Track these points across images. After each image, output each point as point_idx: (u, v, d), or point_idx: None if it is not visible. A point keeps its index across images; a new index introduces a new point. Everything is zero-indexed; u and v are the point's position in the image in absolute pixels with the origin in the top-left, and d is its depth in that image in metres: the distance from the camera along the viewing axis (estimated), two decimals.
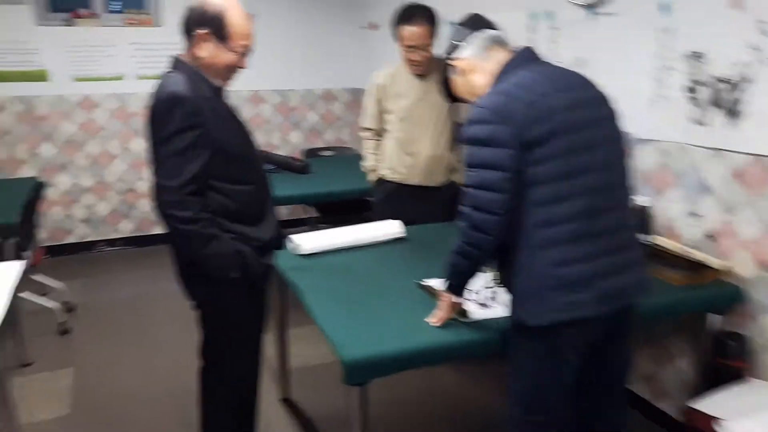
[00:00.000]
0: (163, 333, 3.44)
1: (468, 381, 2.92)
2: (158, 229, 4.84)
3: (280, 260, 2.29)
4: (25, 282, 2.37)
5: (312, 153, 4.81)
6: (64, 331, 3.44)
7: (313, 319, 1.91)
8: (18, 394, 2.77)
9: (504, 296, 1.90)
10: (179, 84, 1.81)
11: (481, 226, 1.58)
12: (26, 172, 4.41)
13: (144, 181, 4.75)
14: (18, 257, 3.11)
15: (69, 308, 3.69)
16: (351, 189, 3.73)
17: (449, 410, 2.72)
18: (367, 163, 3.05)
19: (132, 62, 4.52)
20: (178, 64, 1.90)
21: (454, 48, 1.79)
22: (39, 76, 4.30)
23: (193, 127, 1.79)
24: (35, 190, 3.46)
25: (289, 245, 2.42)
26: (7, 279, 2.19)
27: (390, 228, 2.59)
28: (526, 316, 1.61)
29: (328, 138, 5.24)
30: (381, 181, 3.00)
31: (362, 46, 5.01)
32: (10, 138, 4.35)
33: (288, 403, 2.77)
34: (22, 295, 3.10)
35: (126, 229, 4.80)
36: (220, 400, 2.17)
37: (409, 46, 2.69)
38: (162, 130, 1.81)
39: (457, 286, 1.75)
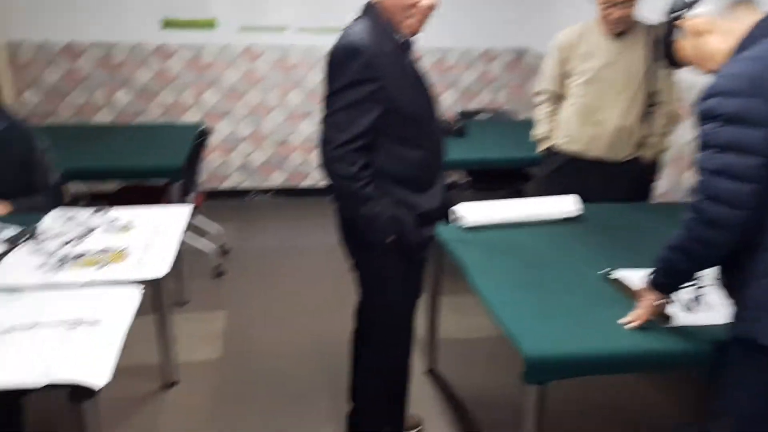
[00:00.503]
0: (316, 287, 3.44)
1: (650, 391, 2.57)
2: (308, 182, 4.91)
3: (442, 231, 2.14)
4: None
5: (466, 115, 4.58)
6: (219, 274, 3.55)
7: (484, 302, 1.72)
8: (175, 332, 2.87)
9: (713, 299, 1.61)
10: (361, 33, 1.69)
11: (717, 220, 1.29)
12: (190, 117, 4.58)
13: (297, 134, 4.78)
14: (182, 200, 3.21)
15: (223, 251, 3.81)
16: (507, 157, 3.48)
17: (628, 422, 2.41)
18: (540, 130, 2.77)
19: (295, 14, 4.49)
20: (368, 10, 1.77)
21: (686, 5, 1.48)
22: (208, 25, 4.41)
23: (368, 81, 1.68)
24: (200, 135, 3.54)
25: (451, 216, 2.25)
26: (178, 222, 2.22)
27: (564, 205, 2.33)
28: (761, 332, 1.32)
29: (483, 100, 4.96)
30: (553, 152, 2.72)
31: (530, 2, 4.65)
32: (178, 84, 4.52)
33: (433, 375, 2.65)
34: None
35: (277, 179, 4.89)
36: (372, 368, 2.09)
37: (609, 2, 2.36)
38: (336, 81, 1.72)
39: (666, 286, 1.49)
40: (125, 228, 2.16)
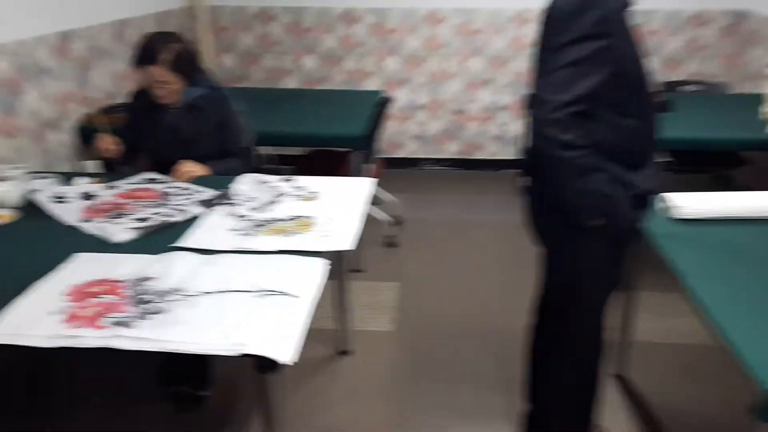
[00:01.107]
0: (489, 265, 3.31)
1: None
2: (482, 154, 4.73)
3: (648, 220, 1.86)
4: None
5: (669, 86, 4.08)
6: (392, 244, 3.53)
7: (706, 315, 1.46)
8: (350, 298, 2.89)
9: None
10: None
11: None
12: (371, 84, 4.59)
13: (475, 103, 4.60)
14: (361, 168, 3.20)
15: (397, 222, 3.78)
16: (718, 137, 3.02)
17: None
18: None
19: None
20: None
21: None
22: None
23: (597, 37, 1.47)
24: (381, 104, 3.50)
25: (660, 204, 1.97)
26: (362, 194, 2.18)
27: None
28: None
29: (690, 70, 4.39)
30: None
31: None
32: (362, 50, 4.53)
33: (622, 381, 2.39)
34: None
35: (452, 149, 4.76)
36: (559, 369, 1.89)
37: None
38: (560, 36, 1.51)
39: None
40: (312, 197, 2.16)
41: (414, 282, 3.13)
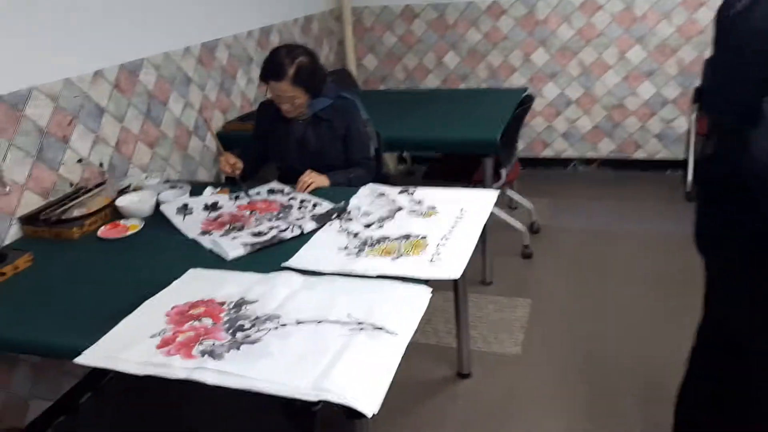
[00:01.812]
0: (642, 286, 2.92)
1: None
2: (641, 154, 4.27)
3: None
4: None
5: None
6: (527, 255, 3.28)
7: None
8: (474, 314, 2.73)
9: None
10: None
11: None
12: (516, 79, 4.33)
13: (635, 97, 4.15)
14: (496, 174, 3.01)
15: (534, 230, 3.52)
16: None
17: None
18: None
19: None
20: None
21: None
22: None
23: None
24: (524, 102, 3.26)
25: None
26: (482, 211, 2.01)
27: None
28: None
29: None
30: None
31: None
32: (507, 44, 4.28)
33: None
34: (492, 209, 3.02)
35: (605, 149, 4.36)
36: None
37: None
38: None
39: None
40: (429, 212, 2.03)
41: (548, 300, 2.88)
